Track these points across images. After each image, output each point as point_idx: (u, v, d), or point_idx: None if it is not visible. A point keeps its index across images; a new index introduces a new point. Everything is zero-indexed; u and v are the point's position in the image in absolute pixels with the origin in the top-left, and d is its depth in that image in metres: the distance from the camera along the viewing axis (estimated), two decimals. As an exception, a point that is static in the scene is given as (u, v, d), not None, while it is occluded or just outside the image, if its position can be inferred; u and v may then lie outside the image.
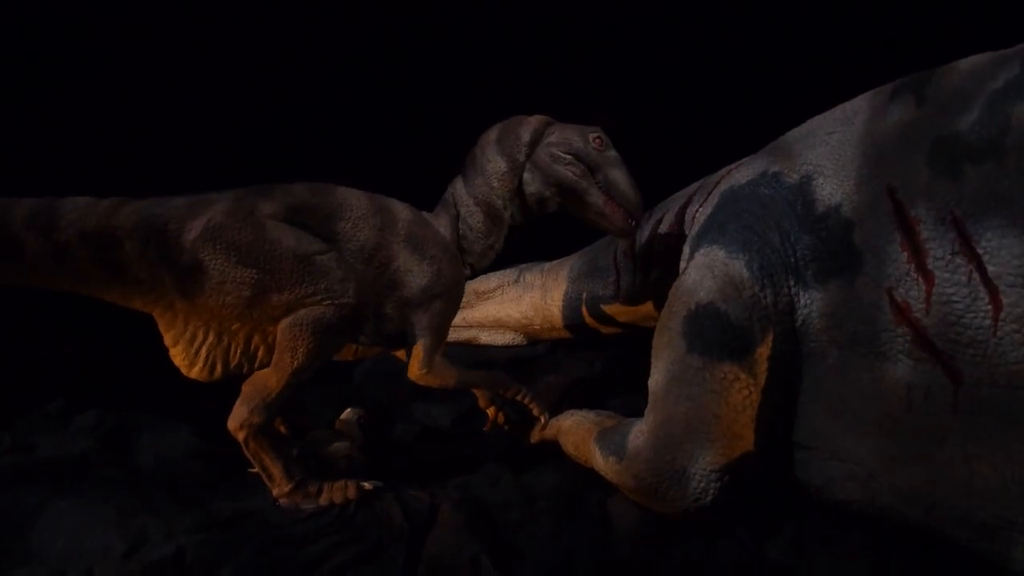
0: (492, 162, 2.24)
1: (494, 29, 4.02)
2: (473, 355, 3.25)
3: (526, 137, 2.25)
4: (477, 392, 2.42)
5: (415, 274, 2.10)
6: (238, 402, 1.93)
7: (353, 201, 2.08)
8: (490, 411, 2.45)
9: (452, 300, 2.21)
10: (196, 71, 3.63)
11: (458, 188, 2.28)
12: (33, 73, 3.38)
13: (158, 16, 3.57)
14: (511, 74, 4.07)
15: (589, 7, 4.09)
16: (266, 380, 1.93)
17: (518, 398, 2.35)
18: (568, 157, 2.22)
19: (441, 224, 2.24)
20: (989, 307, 1.45)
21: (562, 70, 4.15)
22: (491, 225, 2.26)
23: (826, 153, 1.84)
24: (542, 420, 2.38)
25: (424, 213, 2.26)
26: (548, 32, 4.09)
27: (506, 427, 2.48)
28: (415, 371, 2.16)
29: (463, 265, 2.26)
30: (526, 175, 2.24)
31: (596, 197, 2.24)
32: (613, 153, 2.29)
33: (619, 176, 2.26)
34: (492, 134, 2.30)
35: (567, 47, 4.14)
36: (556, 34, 4.10)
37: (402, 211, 2.17)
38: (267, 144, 3.70)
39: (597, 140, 2.25)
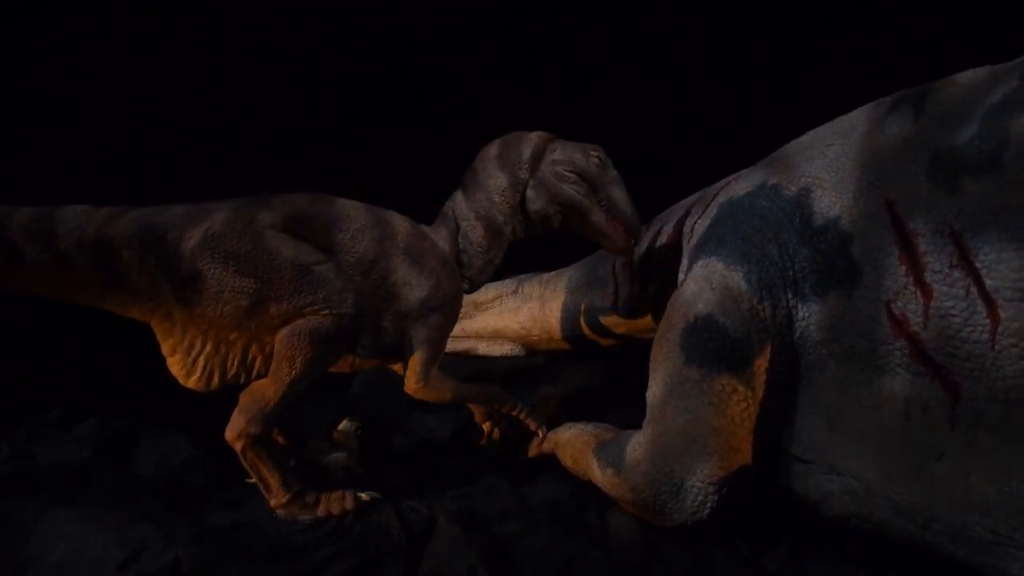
0: (493, 177, 2.25)
1: (490, 41, 4.04)
2: (471, 366, 3.25)
3: (527, 153, 2.27)
4: (473, 407, 2.41)
5: (413, 287, 2.11)
6: (235, 412, 1.93)
7: (352, 213, 2.09)
8: (486, 426, 2.44)
9: (450, 314, 2.21)
10: (195, 79, 3.65)
11: (458, 202, 2.29)
12: (32, 79, 3.39)
13: (157, 22, 3.58)
14: (506, 89, 4.08)
15: (587, 17, 4.10)
16: (264, 390, 1.93)
17: (514, 413, 2.33)
18: (573, 176, 2.25)
19: (440, 237, 2.25)
20: (987, 321, 1.45)
21: (558, 80, 4.16)
22: (491, 240, 2.26)
23: (824, 165, 1.84)
24: (540, 434, 2.36)
25: (423, 226, 2.27)
26: (544, 42, 4.10)
27: (499, 443, 2.47)
28: (411, 385, 2.15)
29: (461, 280, 2.26)
30: (530, 192, 2.26)
31: (599, 216, 2.28)
32: (613, 172, 2.32)
33: (619, 195, 2.29)
34: (492, 149, 2.30)
35: (564, 57, 4.15)
36: (552, 44, 4.11)
37: (401, 224, 2.18)
38: (264, 154, 3.71)
39: (598, 158, 2.28)
